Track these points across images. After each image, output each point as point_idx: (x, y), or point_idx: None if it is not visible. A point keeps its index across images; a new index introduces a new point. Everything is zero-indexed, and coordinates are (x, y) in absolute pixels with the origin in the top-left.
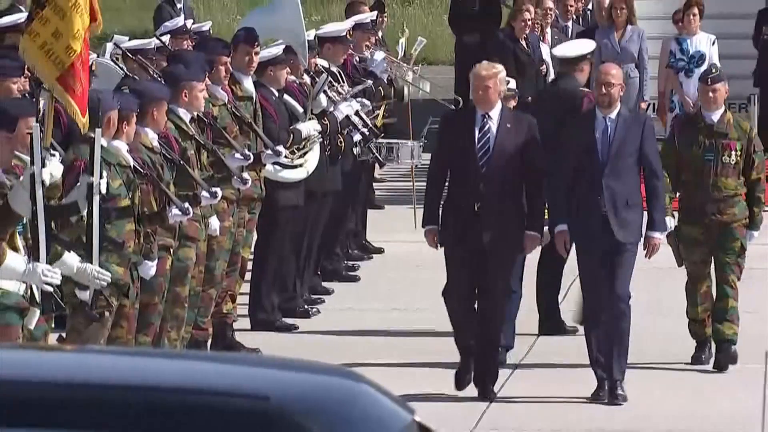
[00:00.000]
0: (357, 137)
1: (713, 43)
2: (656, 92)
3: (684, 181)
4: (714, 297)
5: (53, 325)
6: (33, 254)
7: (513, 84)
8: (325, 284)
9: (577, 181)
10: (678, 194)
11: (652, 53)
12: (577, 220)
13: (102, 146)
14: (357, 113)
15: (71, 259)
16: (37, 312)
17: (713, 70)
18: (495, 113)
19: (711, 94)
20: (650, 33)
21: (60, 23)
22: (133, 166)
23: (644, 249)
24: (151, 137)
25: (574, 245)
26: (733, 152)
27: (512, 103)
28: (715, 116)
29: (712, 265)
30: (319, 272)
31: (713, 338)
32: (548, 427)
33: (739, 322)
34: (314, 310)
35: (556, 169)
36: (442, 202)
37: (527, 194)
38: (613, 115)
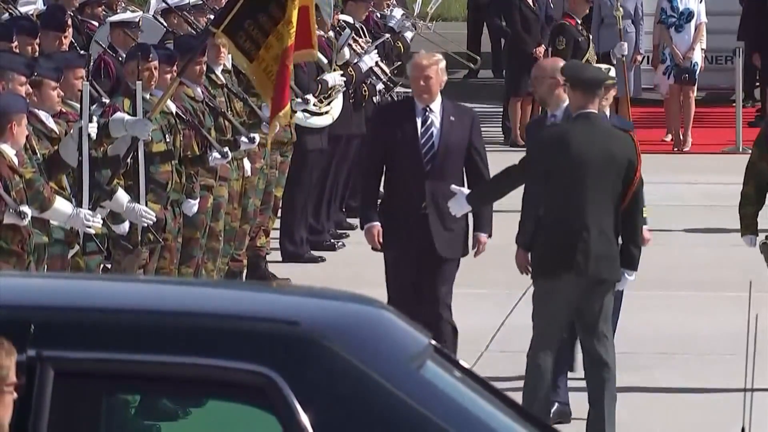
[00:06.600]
0: (380, 86)
1: (701, 1)
2: (651, 46)
3: None
4: None
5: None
6: (77, 200)
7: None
8: (349, 220)
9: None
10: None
11: (648, 10)
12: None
13: (144, 97)
14: (377, 64)
15: (122, 197)
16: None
17: None
18: (436, 106)
19: None
20: None
21: (278, 45)
22: (176, 112)
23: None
24: (191, 86)
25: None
26: None
27: None
28: None
29: None
30: (344, 209)
31: None
32: None
33: None
34: (339, 243)
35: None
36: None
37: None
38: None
